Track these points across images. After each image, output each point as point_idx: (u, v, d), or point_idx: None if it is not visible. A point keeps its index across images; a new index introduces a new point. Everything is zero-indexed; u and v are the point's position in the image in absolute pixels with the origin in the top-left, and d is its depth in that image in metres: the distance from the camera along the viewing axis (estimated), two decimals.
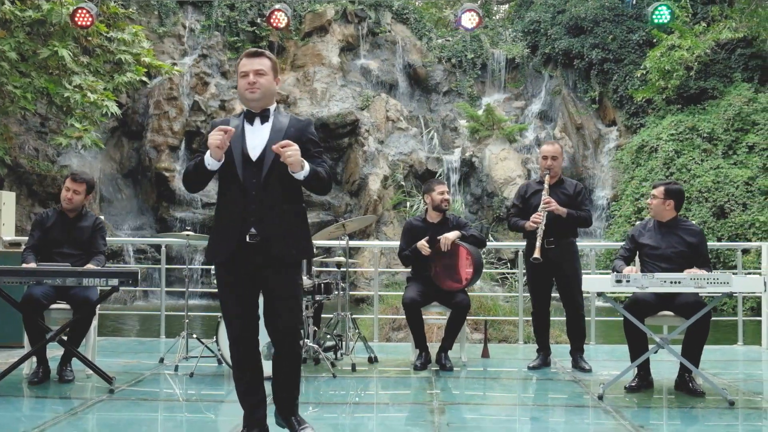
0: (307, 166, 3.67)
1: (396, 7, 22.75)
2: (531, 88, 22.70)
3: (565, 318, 6.53)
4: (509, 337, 8.74)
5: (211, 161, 3.69)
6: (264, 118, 3.84)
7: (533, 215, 6.24)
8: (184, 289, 6.68)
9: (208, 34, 20.79)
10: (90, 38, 13.18)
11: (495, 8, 23.99)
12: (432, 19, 24.13)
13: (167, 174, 18.83)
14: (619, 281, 5.08)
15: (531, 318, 6.65)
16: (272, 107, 3.90)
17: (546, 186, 6.30)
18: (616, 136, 20.60)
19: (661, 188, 5.69)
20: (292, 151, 3.59)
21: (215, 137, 3.61)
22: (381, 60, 22.22)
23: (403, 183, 18.75)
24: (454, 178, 19.45)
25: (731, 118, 17.62)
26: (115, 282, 5.28)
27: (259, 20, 20.89)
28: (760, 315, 7.89)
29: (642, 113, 19.83)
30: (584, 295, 6.40)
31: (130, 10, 14.95)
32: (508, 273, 11.93)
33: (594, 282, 5.24)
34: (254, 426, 3.83)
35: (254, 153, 3.77)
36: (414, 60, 22.27)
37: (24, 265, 5.55)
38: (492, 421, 4.76)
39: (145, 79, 14.19)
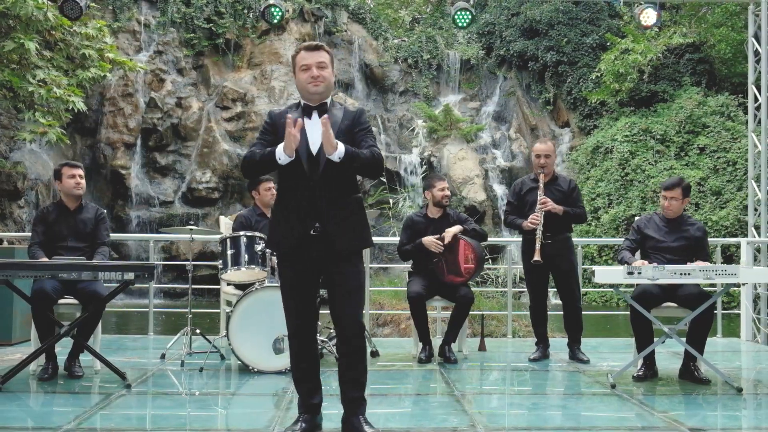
0: (341, 147, 3.67)
1: (352, 7, 22.77)
2: (485, 89, 22.98)
3: (555, 313, 6.70)
4: (494, 332, 8.90)
5: (283, 156, 3.70)
6: (321, 112, 3.85)
7: (531, 216, 6.34)
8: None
9: (163, 30, 20.46)
10: (53, 32, 12.90)
11: (449, 9, 24.16)
12: (387, 19, 24.21)
13: (123, 172, 18.47)
14: (630, 273, 5.23)
15: (529, 312, 6.79)
16: (328, 101, 3.92)
17: (541, 185, 6.40)
18: (569, 137, 21.02)
19: (678, 190, 5.80)
20: (327, 133, 3.62)
21: (295, 135, 3.62)
22: (337, 59, 22.16)
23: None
24: (413, 178, 19.59)
25: (683, 121, 18.17)
26: (130, 276, 5.21)
27: (215, 17, 20.70)
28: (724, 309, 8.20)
29: (595, 115, 20.26)
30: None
31: (92, 3, 14.66)
32: (488, 268, 12.10)
33: (606, 274, 5.38)
34: (309, 412, 3.91)
35: (314, 147, 3.80)
36: (370, 60, 22.33)
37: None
38: (522, 408, 4.87)
39: (108, 74, 13.96)
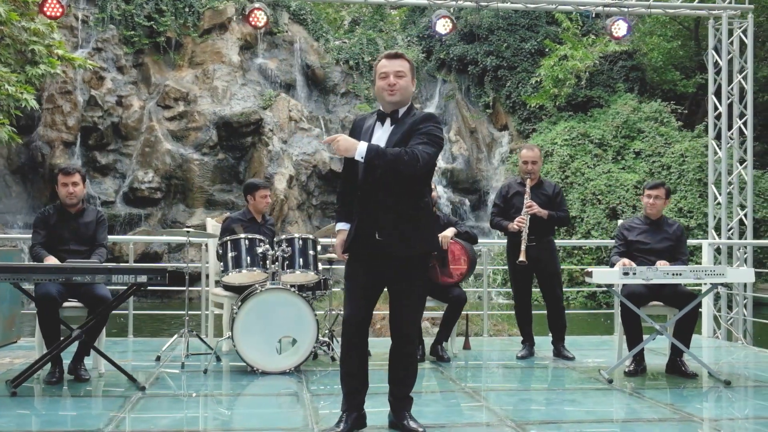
0: (362, 147, 3.69)
1: (293, 8, 22.75)
2: (425, 92, 23.33)
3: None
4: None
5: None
6: (393, 120, 3.96)
7: (517, 218, 6.62)
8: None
9: (102, 27, 20.05)
10: (2, 27, 12.55)
11: (388, 11, 24.41)
12: (328, 18, 24.28)
13: None
14: (626, 273, 5.52)
15: (514, 311, 7.06)
16: (403, 109, 3.98)
17: (527, 189, 6.69)
18: (508, 140, 21.56)
19: (662, 189, 6.17)
20: (335, 144, 3.76)
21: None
22: (279, 60, 22.17)
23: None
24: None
25: (619, 126, 18.90)
26: (143, 279, 5.20)
27: (156, 15, 20.40)
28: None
29: (534, 119, 20.86)
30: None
31: None
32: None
33: (603, 275, 5.66)
34: (353, 409, 4.03)
35: None
36: (312, 61, 22.37)
37: (46, 261, 5.39)
38: (536, 404, 5.09)
39: (58, 71, 13.65)
